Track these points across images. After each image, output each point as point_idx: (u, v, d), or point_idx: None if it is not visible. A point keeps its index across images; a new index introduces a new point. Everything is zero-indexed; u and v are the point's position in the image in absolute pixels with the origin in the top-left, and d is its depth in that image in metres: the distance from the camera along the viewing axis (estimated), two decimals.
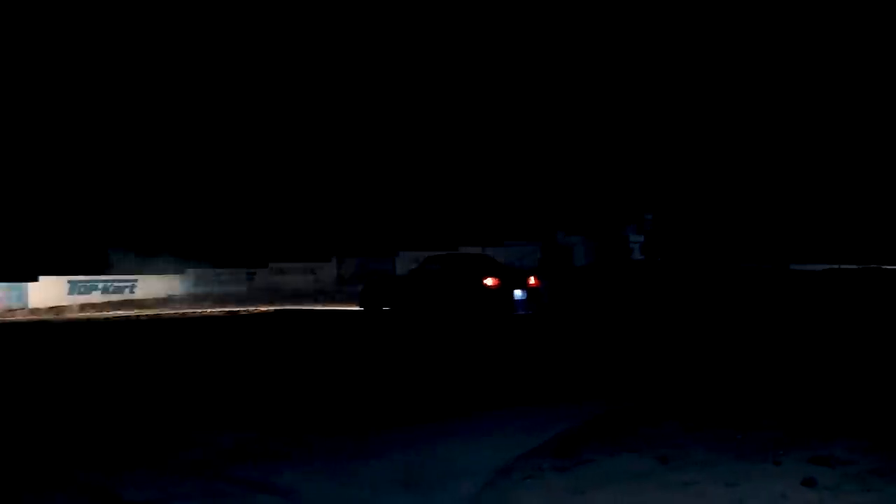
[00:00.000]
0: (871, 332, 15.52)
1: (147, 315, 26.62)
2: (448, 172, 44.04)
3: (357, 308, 24.87)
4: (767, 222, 37.84)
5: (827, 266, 29.88)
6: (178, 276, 37.55)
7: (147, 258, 37.58)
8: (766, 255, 34.02)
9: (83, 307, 32.37)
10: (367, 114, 45.87)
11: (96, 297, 34.48)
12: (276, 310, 27.67)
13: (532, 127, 44.72)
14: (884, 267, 27.72)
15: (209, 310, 28.19)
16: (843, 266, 29.34)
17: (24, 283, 33.14)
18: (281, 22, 46.77)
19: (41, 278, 33.78)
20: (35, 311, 31.40)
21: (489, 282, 20.61)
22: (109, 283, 35.28)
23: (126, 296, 35.13)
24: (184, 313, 26.20)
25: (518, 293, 20.97)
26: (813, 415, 7.92)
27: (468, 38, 46.18)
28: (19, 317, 29.29)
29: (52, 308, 31.79)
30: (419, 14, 46.29)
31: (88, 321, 25.58)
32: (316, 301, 31.96)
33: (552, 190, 42.55)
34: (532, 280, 21.74)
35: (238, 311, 26.97)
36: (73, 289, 34.11)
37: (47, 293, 33.40)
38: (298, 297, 34.82)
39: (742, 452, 6.57)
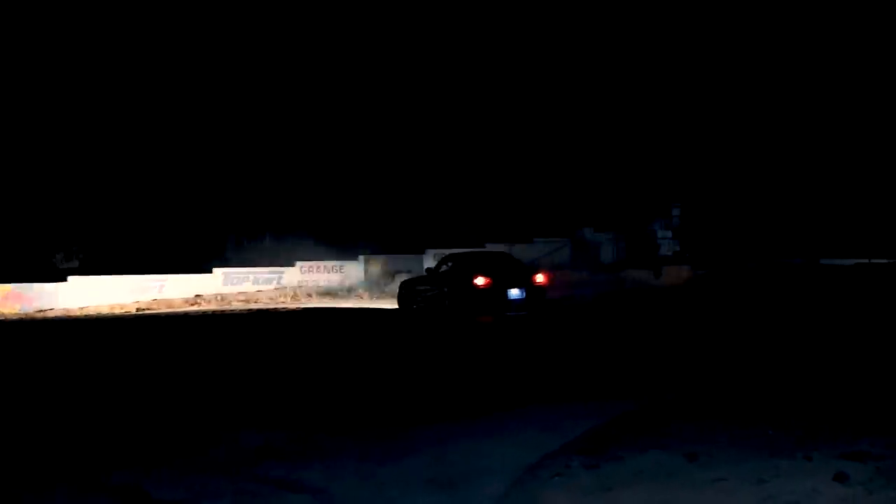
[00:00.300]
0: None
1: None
2: (476, 170, 43.96)
3: (382, 306, 25.07)
4: (795, 216, 37.58)
5: (857, 260, 29.64)
6: (206, 276, 37.81)
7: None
8: (795, 250, 33.78)
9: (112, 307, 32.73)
10: (395, 112, 45.87)
11: (124, 296, 35.02)
12: (304, 308, 27.76)
13: (560, 124, 44.58)
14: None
15: (240, 306, 28.23)
16: (872, 260, 29.10)
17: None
18: (290, 22, 46.80)
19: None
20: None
21: (479, 281, 20.48)
22: (136, 284, 35.59)
23: (154, 295, 35.64)
24: (213, 311, 26.33)
25: (514, 292, 20.67)
26: (841, 411, 7.85)
27: (494, 37, 46.12)
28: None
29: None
30: (443, 14, 46.27)
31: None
32: (343, 299, 31.99)
33: (580, 186, 42.38)
34: (540, 278, 21.44)
35: (267, 308, 26.98)
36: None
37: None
38: (327, 294, 34.97)
39: (772, 449, 6.51)
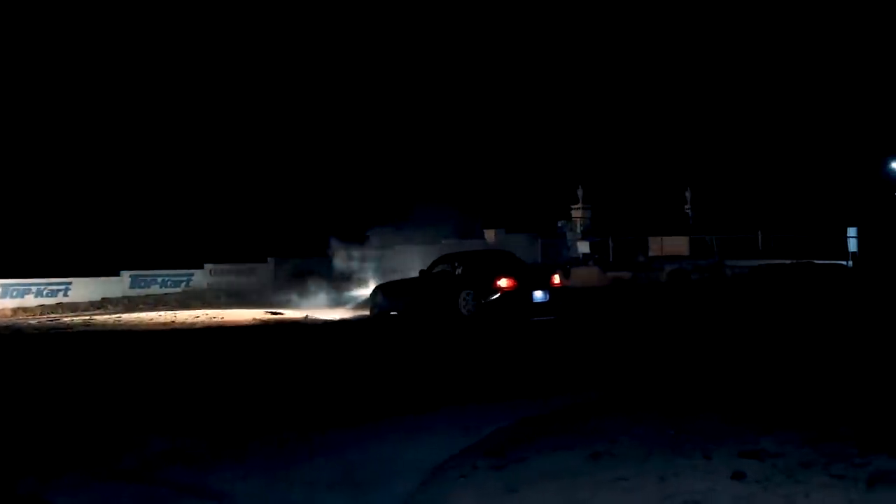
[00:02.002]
0: (807, 325, 15.79)
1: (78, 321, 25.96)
2: (383, 173, 43.98)
3: (298, 315, 24.19)
4: (703, 218, 38.24)
5: (762, 262, 30.30)
6: (113, 279, 36.80)
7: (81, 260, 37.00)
8: (704, 251, 34.37)
9: (15, 311, 31.66)
10: (280, 115, 45.54)
11: (30, 300, 33.72)
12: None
13: (472, 124, 44.86)
14: (816, 262, 28.18)
15: (145, 315, 27.57)
16: (776, 261, 29.75)
17: None
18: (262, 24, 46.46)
19: None
20: None
21: (503, 283, 19.08)
22: (43, 287, 34.49)
23: (60, 299, 34.38)
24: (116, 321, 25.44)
25: (538, 294, 19.53)
26: (744, 409, 8.01)
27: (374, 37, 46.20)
28: None
29: None
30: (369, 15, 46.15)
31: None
32: (254, 303, 31.45)
33: (492, 187, 42.63)
34: (557, 278, 20.36)
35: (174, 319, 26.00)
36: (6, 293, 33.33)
37: None
38: (237, 296, 34.43)
39: (673, 448, 6.62)
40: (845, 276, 26.71)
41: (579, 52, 45.16)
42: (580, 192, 38.79)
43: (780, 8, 43.34)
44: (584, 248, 37.38)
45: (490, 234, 37.60)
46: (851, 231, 30.49)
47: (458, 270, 20.39)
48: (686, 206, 38.18)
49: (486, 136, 44.55)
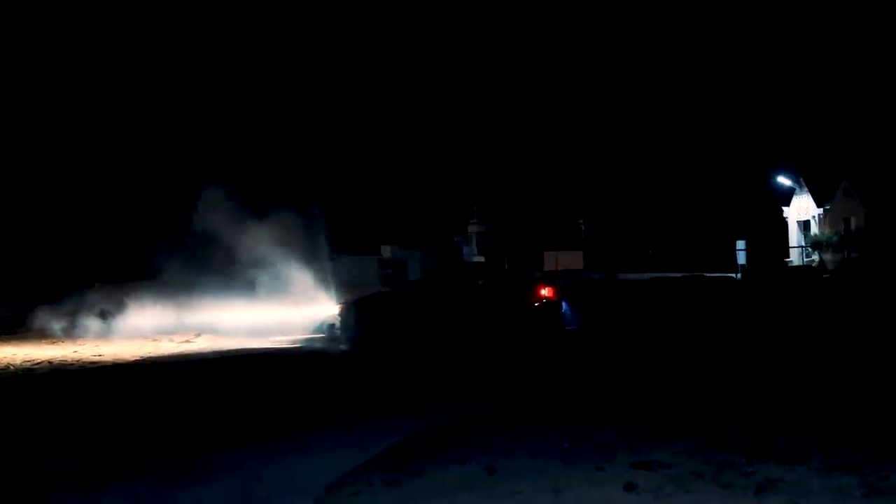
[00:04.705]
0: (697, 337, 16.10)
1: None
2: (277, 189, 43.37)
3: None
4: (596, 233, 38.82)
5: (652, 275, 30.84)
6: None
7: None
8: (596, 265, 34.86)
9: None
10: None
11: None
12: None
13: (361, 142, 44.69)
14: (706, 275, 28.77)
15: None
16: (667, 274, 30.32)
17: None
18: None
19: None
20: None
21: (546, 292, 18.33)
22: None
23: None
24: None
25: (564, 304, 18.61)
26: (643, 419, 8.12)
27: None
28: None
29: None
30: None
31: None
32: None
33: (383, 203, 42.42)
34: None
35: None
36: None
37: None
38: None
39: (567, 461, 6.66)
40: (734, 289, 27.32)
41: (477, 69, 45.47)
42: (475, 209, 38.99)
43: (665, 20, 44.31)
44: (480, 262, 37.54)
45: (386, 250, 37.36)
46: (740, 244, 31.27)
47: (476, 284, 19.25)
48: (580, 221, 38.72)
49: (379, 152, 44.38)
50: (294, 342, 21.06)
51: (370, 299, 20.37)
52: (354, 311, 19.46)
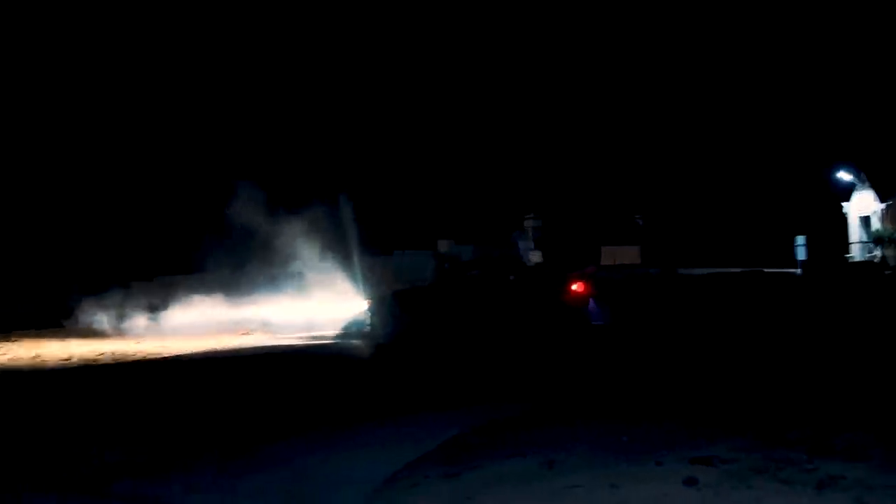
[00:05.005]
0: (759, 332, 15.95)
1: None
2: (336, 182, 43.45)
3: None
4: (654, 226, 38.50)
5: (711, 270, 30.50)
6: None
7: None
8: (654, 259, 34.57)
9: None
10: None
11: None
12: None
13: (418, 137, 44.63)
14: (765, 270, 28.41)
15: None
16: (726, 270, 29.99)
17: None
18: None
19: None
20: None
21: (576, 287, 18.65)
22: None
23: None
24: None
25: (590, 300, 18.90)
26: (702, 414, 8.09)
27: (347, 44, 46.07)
28: None
29: None
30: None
31: None
32: None
33: (439, 199, 42.34)
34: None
35: None
36: None
37: None
38: None
39: (626, 455, 6.65)
40: (794, 284, 26.97)
41: (537, 64, 45.29)
42: (532, 203, 38.86)
43: (720, 10, 43.74)
44: (536, 257, 37.43)
45: (443, 244, 37.39)
46: (800, 240, 30.79)
47: (511, 277, 19.74)
48: (637, 217, 38.39)
49: (437, 147, 44.36)
50: (335, 337, 21.22)
51: (402, 294, 20.41)
52: (388, 305, 19.87)
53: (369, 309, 20.86)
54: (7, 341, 21.68)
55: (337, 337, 20.93)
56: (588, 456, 6.73)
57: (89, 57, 44.18)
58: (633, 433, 7.37)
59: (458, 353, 15.71)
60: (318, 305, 25.03)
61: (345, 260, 26.45)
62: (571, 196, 41.24)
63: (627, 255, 35.64)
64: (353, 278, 24.38)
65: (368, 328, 20.54)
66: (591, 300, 18.72)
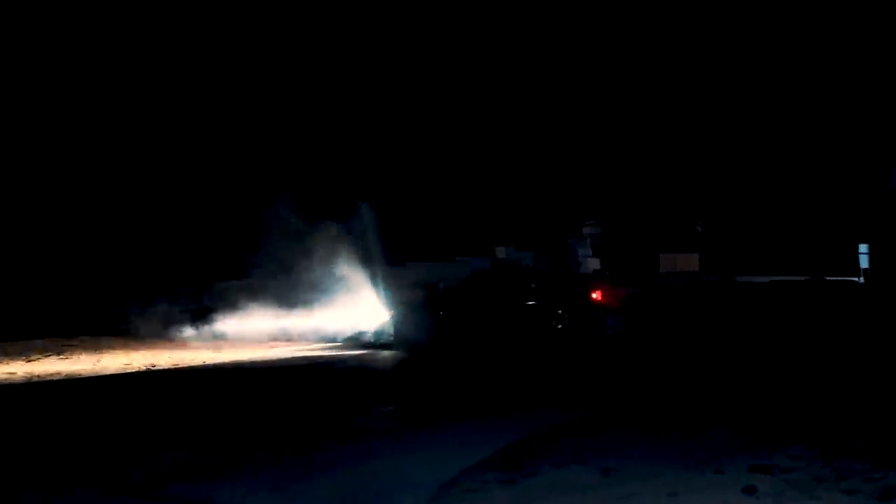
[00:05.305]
0: (818, 341, 15.74)
1: None
2: (393, 189, 43.57)
3: None
4: (714, 234, 38.17)
5: (772, 277, 30.17)
6: None
7: None
8: (710, 267, 34.27)
9: None
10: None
11: None
12: None
13: (476, 142, 44.60)
14: (827, 278, 28.04)
15: None
16: (787, 278, 29.63)
17: None
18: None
19: None
20: None
21: (597, 295, 19.21)
22: None
23: None
24: None
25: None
26: (761, 422, 7.98)
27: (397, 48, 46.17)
28: None
29: None
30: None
31: None
32: None
33: (497, 205, 42.32)
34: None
35: None
36: None
37: None
38: None
39: (684, 463, 6.58)
40: (857, 293, 26.59)
41: (596, 69, 45.08)
42: (592, 210, 38.74)
43: (779, 16, 43.20)
44: (594, 264, 37.32)
45: (500, 251, 37.50)
46: (863, 248, 30.33)
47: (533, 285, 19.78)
48: (697, 225, 38.08)
49: (496, 154, 44.35)
50: (368, 345, 21.08)
51: (424, 302, 20.63)
52: (418, 310, 20.05)
53: (393, 317, 20.85)
54: (69, 347, 22.02)
55: (370, 345, 20.86)
56: (644, 464, 6.68)
57: (155, 72, 44.87)
58: (688, 441, 7.30)
59: (482, 361, 16.12)
60: (355, 313, 25.04)
61: (375, 268, 26.39)
62: (631, 203, 41.02)
63: (687, 262, 35.40)
64: (381, 286, 24.30)
65: (392, 337, 20.50)
66: (609, 309, 19.19)
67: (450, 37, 46.67)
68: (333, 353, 19.27)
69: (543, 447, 7.56)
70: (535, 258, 35.81)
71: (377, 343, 20.78)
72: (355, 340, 22.15)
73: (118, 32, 43.07)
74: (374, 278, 24.99)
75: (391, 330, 20.74)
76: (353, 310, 24.65)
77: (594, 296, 19.39)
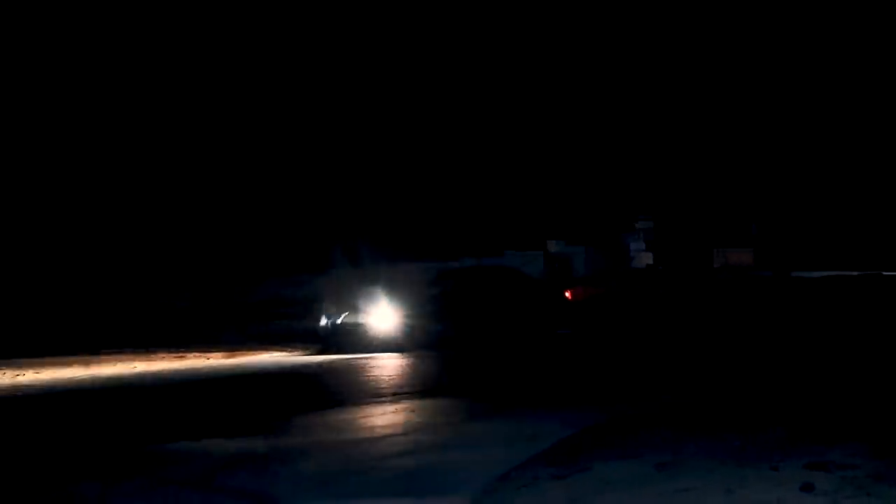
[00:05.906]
0: (873, 337, 15.55)
1: None
2: (445, 183, 43.65)
3: None
4: (769, 229, 37.86)
5: (827, 273, 29.84)
6: None
7: None
8: (766, 262, 34.01)
9: None
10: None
11: None
12: None
13: (529, 135, 44.56)
14: (884, 273, 27.68)
15: None
16: (843, 273, 29.30)
17: None
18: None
19: None
20: None
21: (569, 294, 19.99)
22: None
23: None
24: None
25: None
26: (816, 419, 7.90)
27: (465, 40, 46.22)
28: None
29: None
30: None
31: None
32: None
33: (549, 199, 42.28)
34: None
35: None
36: None
37: None
38: None
39: (739, 459, 6.52)
40: None
41: (652, 69, 44.86)
42: (645, 205, 38.66)
43: (840, 18, 42.65)
44: (648, 258, 37.27)
45: (552, 245, 37.57)
46: None
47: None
48: (752, 224, 37.83)
49: (550, 146, 44.30)
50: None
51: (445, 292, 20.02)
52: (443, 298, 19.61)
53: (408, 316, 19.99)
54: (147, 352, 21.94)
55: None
56: (698, 460, 6.63)
57: (156, 72, 45.10)
58: (743, 438, 7.24)
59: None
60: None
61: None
62: (685, 198, 40.81)
63: (741, 257, 35.21)
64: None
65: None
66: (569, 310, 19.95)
67: (497, 33, 46.71)
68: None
69: (594, 442, 7.55)
70: (587, 253, 35.83)
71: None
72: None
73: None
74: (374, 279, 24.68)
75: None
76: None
77: (567, 295, 20.36)
